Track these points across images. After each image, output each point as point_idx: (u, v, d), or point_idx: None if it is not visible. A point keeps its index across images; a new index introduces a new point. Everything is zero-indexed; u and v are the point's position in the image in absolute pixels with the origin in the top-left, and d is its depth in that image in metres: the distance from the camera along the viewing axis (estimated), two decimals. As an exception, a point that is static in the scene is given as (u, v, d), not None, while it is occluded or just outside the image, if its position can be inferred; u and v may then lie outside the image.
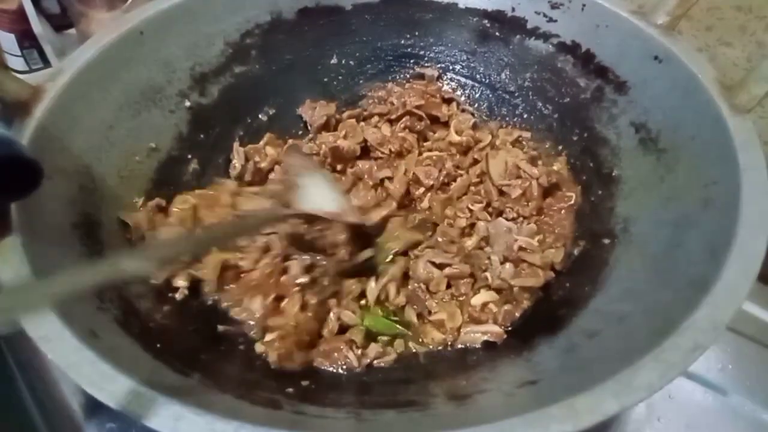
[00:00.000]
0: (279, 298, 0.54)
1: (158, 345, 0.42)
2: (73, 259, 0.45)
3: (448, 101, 0.71)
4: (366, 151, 0.68)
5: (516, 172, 0.61)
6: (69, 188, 0.49)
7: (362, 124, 0.70)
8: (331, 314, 0.53)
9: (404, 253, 0.58)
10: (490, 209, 0.61)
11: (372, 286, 0.55)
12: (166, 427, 0.31)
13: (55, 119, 0.49)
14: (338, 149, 0.65)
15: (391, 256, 0.58)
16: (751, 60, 0.67)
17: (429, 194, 0.63)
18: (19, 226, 0.41)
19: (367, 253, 0.57)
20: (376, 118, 0.70)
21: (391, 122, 0.69)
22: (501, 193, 0.61)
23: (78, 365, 0.34)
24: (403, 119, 0.68)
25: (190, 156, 0.63)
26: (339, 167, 0.67)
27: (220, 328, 0.51)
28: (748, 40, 0.67)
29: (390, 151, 0.66)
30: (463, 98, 0.73)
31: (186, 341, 0.47)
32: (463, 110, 0.72)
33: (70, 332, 0.35)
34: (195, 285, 0.54)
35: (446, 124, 0.69)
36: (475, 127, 0.69)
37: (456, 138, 0.65)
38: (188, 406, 0.32)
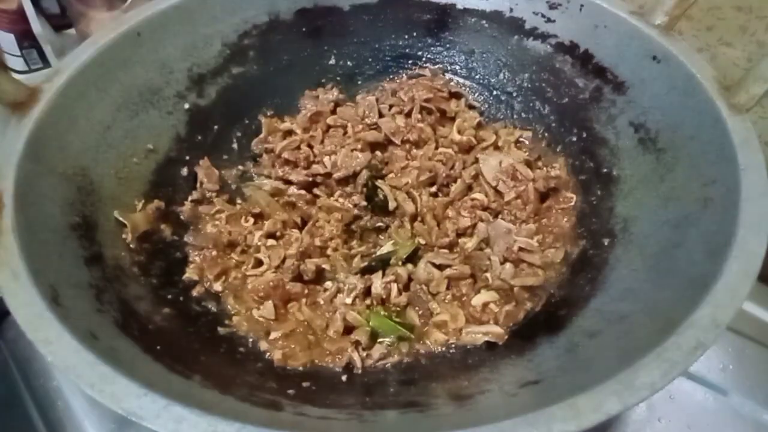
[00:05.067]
0: (287, 301, 0.54)
1: (158, 347, 0.42)
2: (70, 260, 0.45)
3: (456, 96, 0.71)
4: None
5: (512, 174, 0.61)
6: (67, 189, 0.48)
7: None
8: (337, 314, 0.52)
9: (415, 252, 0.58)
10: (488, 211, 0.61)
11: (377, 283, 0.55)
12: (167, 429, 0.31)
13: (52, 120, 0.48)
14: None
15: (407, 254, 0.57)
16: (752, 60, 0.67)
17: (424, 198, 0.62)
18: (16, 228, 0.40)
19: (387, 247, 0.57)
20: (388, 109, 0.69)
21: (405, 114, 0.68)
22: (497, 193, 0.61)
23: (78, 367, 0.34)
24: (415, 112, 0.67)
25: (188, 157, 0.63)
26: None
27: (221, 330, 0.51)
28: (748, 40, 0.67)
29: (408, 140, 0.65)
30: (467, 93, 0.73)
31: (186, 343, 0.47)
32: (471, 106, 0.71)
33: (70, 334, 0.35)
34: (193, 285, 0.54)
35: (453, 120, 0.69)
36: (480, 126, 0.69)
37: (457, 137, 0.65)
38: (189, 407, 0.32)
